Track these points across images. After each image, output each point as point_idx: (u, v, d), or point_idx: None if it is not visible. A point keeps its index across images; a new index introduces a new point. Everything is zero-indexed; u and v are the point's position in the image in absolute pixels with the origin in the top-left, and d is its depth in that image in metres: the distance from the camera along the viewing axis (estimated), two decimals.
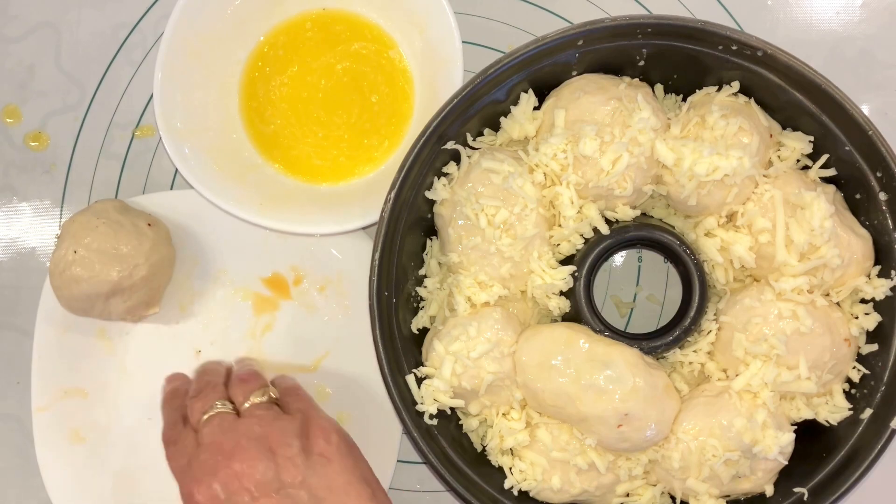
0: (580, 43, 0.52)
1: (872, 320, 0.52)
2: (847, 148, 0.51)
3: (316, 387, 0.60)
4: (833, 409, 0.52)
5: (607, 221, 0.52)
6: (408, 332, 0.55)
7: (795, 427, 0.52)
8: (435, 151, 0.53)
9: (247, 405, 0.51)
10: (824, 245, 0.49)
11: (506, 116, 0.55)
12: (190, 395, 0.53)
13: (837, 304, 0.52)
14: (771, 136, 0.53)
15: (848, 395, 0.53)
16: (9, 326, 0.63)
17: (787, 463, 0.52)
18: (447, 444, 0.53)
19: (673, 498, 0.54)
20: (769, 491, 0.52)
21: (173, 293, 0.60)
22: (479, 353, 0.50)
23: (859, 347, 0.52)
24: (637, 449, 0.51)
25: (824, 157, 0.52)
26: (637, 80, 0.54)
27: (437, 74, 0.57)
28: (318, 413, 0.52)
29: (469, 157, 0.53)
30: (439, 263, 0.56)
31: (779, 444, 0.50)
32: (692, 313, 0.52)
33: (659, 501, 0.54)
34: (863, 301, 0.53)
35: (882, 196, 0.51)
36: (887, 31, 0.62)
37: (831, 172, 0.53)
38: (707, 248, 0.52)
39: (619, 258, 0.61)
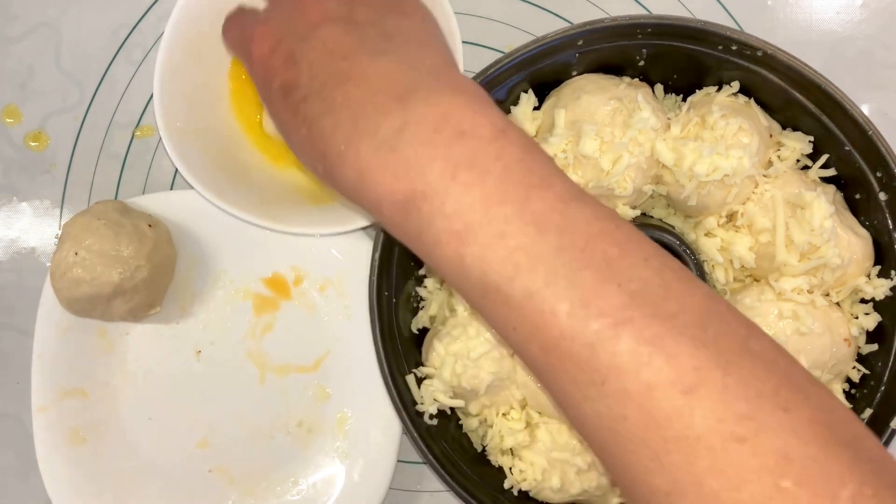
0: (580, 43, 0.52)
1: (872, 320, 0.52)
2: (847, 148, 0.51)
3: (316, 387, 0.60)
4: None
5: None
6: (408, 332, 0.55)
7: None
8: None
9: None
10: (824, 245, 0.49)
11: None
12: None
13: (837, 304, 0.52)
14: (771, 136, 0.53)
15: (848, 394, 0.53)
16: (9, 326, 0.63)
17: None
18: (447, 444, 0.53)
19: None
20: None
21: (173, 293, 0.60)
22: (479, 354, 0.50)
23: (859, 347, 0.52)
24: None
25: (824, 157, 0.52)
26: (637, 80, 0.55)
27: None
28: None
29: None
30: None
31: None
32: None
33: None
34: (863, 301, 0.53)
35: (882, 196, 0.51)
36: (887, 31, 0.62)
37: (831, 172, 0.53)
38: (707, 248, 0.52)
39: None
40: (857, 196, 0.53)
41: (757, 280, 0.53)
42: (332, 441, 0.60)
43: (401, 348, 0.53)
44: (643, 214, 0.55)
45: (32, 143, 0.64)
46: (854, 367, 0.52)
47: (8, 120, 0.64)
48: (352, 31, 0.40)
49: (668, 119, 0.53)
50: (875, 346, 0.52)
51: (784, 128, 0.54)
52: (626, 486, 0.35)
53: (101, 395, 0.60)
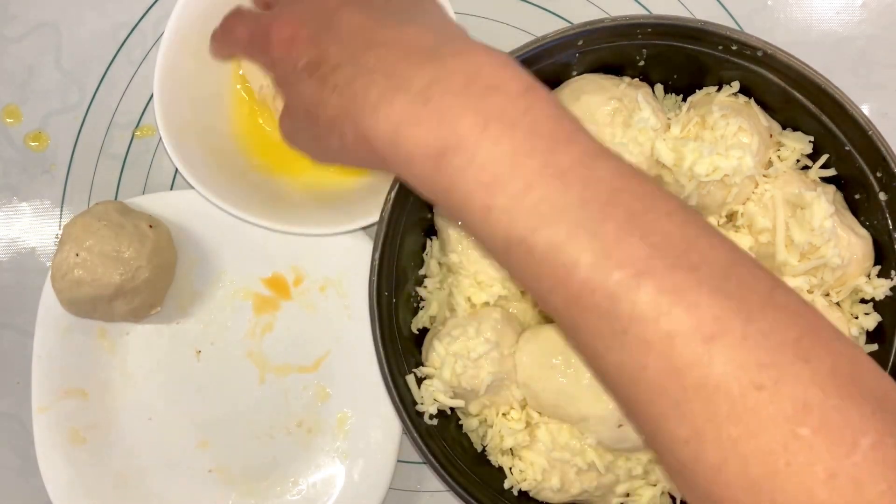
0: (580, 43, 0.52)
1: (872, 320, 0.52)
2: (847, 148, 0.51)
3: (316, 387, 0.60)
4: None
5: None
6: (408, 332, 0.55)
7: None
8: None
9: None
10: (824, 245, 0.49)
11: None
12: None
13: (837, 304, 0.52)
14: (771, 136, 0.53)
15: None
16: (9, 326, 0.63)
17: None
18: (447, 444, 0.53)
19: (673, 498, 0.54)
20: None
21: (173, 293, 0.60)
22: (479, 354, 0.50)
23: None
24: (637, 449, 0.51)
25: (824, 157, 0.52)
26: (637, 80, 0.55)
27: None
28: None
29: None
30: (439, 263, 0.56)
31: None
32: None
33: (659, 501, 0.54)
34: (863, 301, 0.53)
35: (882, 196, 0.51)
36: (887, 31, 0.61)
37: (831, 172, 0.53)
38: None
39: None
40: (857, 196, 0.53)
41: None
42: (332, 441, 0.60)
43: (401, 348, 0.53)
44: None
45: (32, 143, 0.64)
46: None
47: (8, 120, 0.64)
48: (373, 12, 0.41)
49: (668, 119, 0.53)
50: (875, 346, 0.52)
51: (784, 128, 0.54)
52: (648, 436, 0.35)
53: (101, 396, 0.60)
